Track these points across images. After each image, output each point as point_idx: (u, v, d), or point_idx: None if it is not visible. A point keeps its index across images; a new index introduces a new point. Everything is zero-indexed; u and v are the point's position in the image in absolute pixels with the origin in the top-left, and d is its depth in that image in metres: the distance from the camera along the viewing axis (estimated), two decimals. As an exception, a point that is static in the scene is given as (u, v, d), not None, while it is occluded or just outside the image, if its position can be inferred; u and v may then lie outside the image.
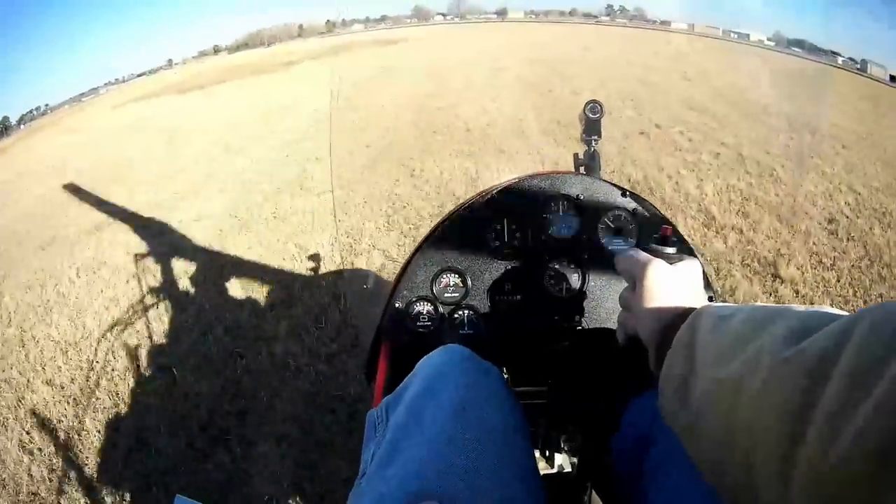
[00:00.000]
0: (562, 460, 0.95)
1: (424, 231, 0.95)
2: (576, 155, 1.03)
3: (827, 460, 0.28)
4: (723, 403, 0.39)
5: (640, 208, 0.90)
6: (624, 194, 0.90)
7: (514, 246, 0.92)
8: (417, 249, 0.92)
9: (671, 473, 0.59)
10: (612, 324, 0.89)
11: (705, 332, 0.46)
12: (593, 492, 0.77)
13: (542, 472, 0.92)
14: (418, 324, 0.91)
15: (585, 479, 0.78)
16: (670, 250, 0.63)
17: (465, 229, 0.91)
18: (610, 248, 0.90)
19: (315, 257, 3.10)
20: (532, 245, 0.91)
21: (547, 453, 0.95)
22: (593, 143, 1.01)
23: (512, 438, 0.58)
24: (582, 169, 1.02)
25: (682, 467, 0.57)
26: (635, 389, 0.74)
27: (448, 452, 0.52)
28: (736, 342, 0.41)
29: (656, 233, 0.66)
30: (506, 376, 0.97)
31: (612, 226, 0.91)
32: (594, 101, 0.99)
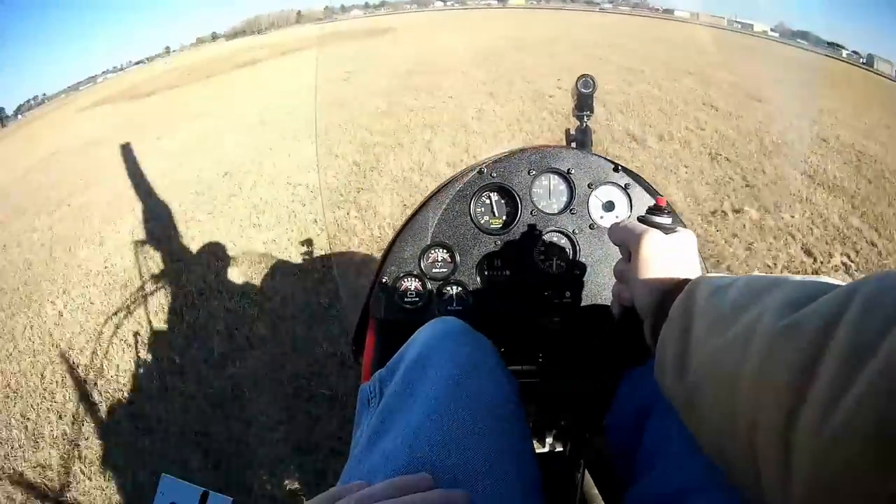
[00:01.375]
0: (554, 439, 0.95)
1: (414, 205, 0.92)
2: (567, 130, 1.01)
3: (827, 432, 0.28)
4: (721, 374, 0.39)
5: (632, 183, 0.89)
6: (616, 169, 0.89)
7: (503, 221, 0.91)
8: (405, 225, 0.91)
9: (669, 446, 0.59)
10: (604, 299, 0.88)
11: (702, 302, 0.45)
12: (586, 470, 0.76)
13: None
14: (406, 300, 0.90)
15: (578, 457, 0.77)
16: (665, 220, 0.62)
17: (454, 204, 0.90)
18: (601, 222, 0.89)
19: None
20: (522, 220, 0.90)
21: (540, 432, 0.95)
22: (585, 118, 0.99)
23: (506, 411, 0.58)
24: (573, 144, 1.00)
25: (680, 439, 0.57)
26: (630, 363, 0.73)
27: (442, 424, 0.51)
28: (732, 311, 0.40)
29: (649, 206, 0.65)
30: None
31: (604, 200, 0.90)
32: (586, 76, 0.97)
